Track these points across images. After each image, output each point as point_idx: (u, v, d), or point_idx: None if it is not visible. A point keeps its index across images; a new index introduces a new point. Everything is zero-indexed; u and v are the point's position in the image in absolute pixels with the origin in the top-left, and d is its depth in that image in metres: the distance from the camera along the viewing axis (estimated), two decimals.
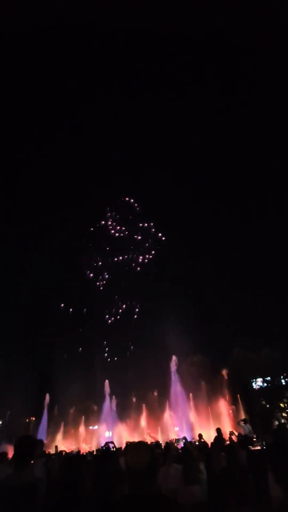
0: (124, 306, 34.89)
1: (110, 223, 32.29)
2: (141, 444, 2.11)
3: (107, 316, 37.25)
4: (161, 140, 74.17)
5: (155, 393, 37.91)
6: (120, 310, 36.00)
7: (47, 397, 37.84)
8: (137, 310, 35.47)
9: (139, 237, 32.28)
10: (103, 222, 32.77)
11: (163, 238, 32.39)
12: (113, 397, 37.90)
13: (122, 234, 32.38)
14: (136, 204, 32.54)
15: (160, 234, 32.59)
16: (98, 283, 33.84)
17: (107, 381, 37.76)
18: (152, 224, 32.50)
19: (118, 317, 35.49)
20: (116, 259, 32.20)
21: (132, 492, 1.88)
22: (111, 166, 76.24)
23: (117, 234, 32.27)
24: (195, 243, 62.77)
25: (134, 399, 38.44)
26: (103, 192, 66.77)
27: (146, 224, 32.55)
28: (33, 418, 43.53)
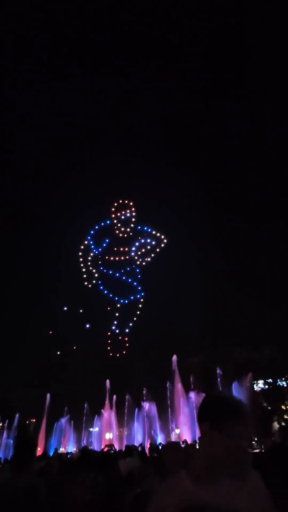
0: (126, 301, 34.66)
1: (114, 221, 32.20)
2: (176, 443, 2.10)
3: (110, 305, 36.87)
4: (166, 135, 72.31)
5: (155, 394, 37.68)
6: (118, 305, 35.79)
7: (48, 397, 37.38)
8: (140, 306, 35.24)
9: (141, 239, 32.15)
10: (108, 223, 32.66)
11: (165, 240, 32.18)
12: (114, 397, 37.62)
13: (125, 235, 32.29)
14: (132, 205, 32.44)
15: (162, 236, 32.35)
16: (93, 283, 33.69)
17: (108, 380, 37.48)
18: (151, 227, 32.40)
19: (117, 314, 35.31)
20: (117, 258, 32.10)
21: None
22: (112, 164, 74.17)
23: (120, 235, 32.18)
24: (198, 244, 62.48)
25: (133, 399, 38.16)
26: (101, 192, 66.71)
27: (146, 228, 32.41)
28: (33, 420, 43.30)
